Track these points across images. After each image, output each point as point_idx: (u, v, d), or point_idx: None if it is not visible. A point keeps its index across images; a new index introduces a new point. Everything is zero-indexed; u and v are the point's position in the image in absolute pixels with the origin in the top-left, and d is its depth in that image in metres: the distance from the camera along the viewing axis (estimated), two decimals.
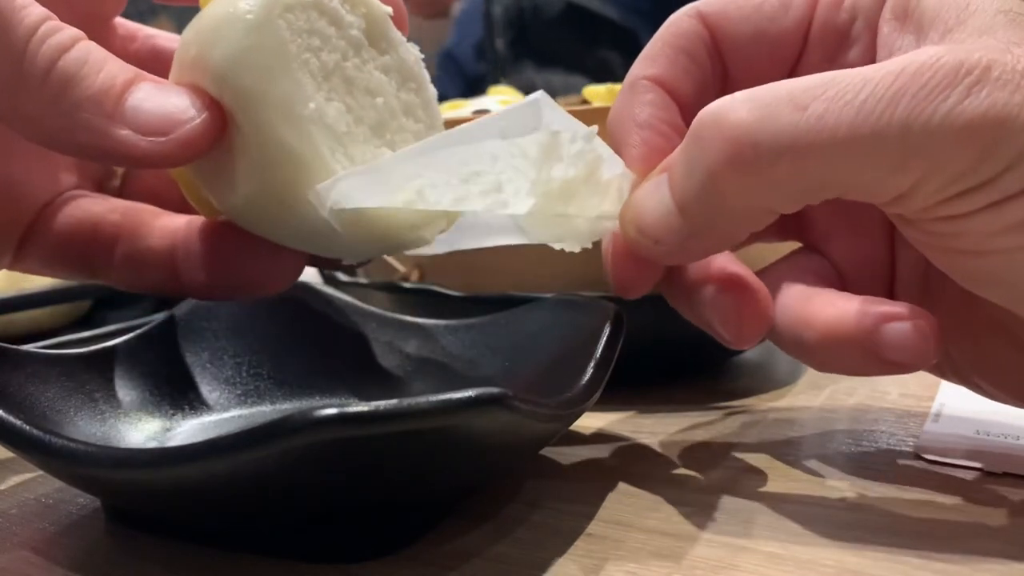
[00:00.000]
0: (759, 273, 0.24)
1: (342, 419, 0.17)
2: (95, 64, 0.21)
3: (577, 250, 0.24)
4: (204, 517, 0.22)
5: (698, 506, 0.24)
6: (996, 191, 0.19)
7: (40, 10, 0.21)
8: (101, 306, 0.45)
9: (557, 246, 0.23)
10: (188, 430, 0.28)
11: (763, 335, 0.23)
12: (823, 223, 0.26)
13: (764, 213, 0.21)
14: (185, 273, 0.24)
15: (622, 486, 0.25)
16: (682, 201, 0.21)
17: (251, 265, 0.24)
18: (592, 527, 0.23)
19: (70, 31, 0.21)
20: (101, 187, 0.28)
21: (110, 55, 0.22)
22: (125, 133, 0.21)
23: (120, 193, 0.28)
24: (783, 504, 0.24)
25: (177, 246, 0.24)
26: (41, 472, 0.27)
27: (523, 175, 0.22)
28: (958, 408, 0.31)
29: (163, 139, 0.21)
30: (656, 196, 0.22)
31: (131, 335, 0.29)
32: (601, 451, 0.28)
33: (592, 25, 1.09)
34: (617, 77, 0.29)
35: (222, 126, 0.21)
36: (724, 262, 0.24)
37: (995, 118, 0.18)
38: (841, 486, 0.25)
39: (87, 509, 0.25)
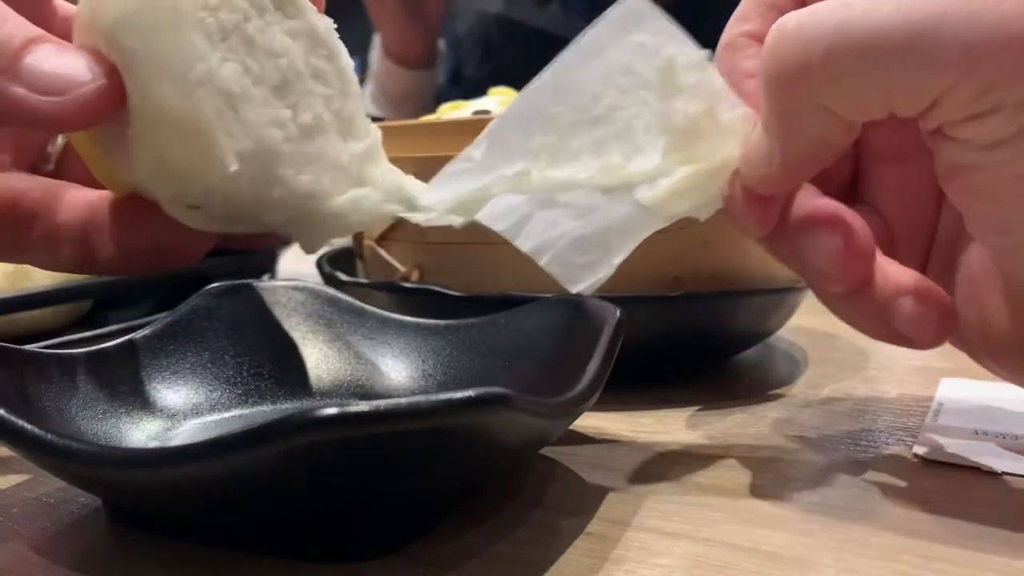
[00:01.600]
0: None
1: (343, 419, 0.17)
2: None
3: (704, 217, 0.24)
4: (204, 517, 0.22)
5: (698, 506, 0.24)
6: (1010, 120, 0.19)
7: None
8: (102, 306, 0.45)
9: (691, 214, 0.24)
10: (189, 430, 0.28)
11: (866, 272, 0.23)
12: (881, 183, 0.26)
13: (830, 122, 0.22)
14: (97, 248, 0.24)
15: (622, 486, 0.26)
16: (764, 120, 0.23)
17: (159, 237, 0.23)
18: (592, 527, 0.23)
19: None
20: (35, 171, 0.27)
21: (12, 13, 0.21)
22: (20, 91, 0.20)
23: (53, 176, 0.27)
24: (782, 503, 0.24)
25: (88, 221, 0.24)
26: (42, 471, 0.27)
27: (648, 107, 0.22)
28: (957, 408, 0.31)
29: (58, 99, 0.21)
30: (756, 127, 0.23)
31: (132, 335, 0.29)
32: (601, 451, 0.28)
33: (549, 47, 1.08)
34: None
35: (120, 93, 0.21)
36: (826, 202, 0.24)
37: None
38: (840, 486, 0.25)
39: (89, 508, 0.25)
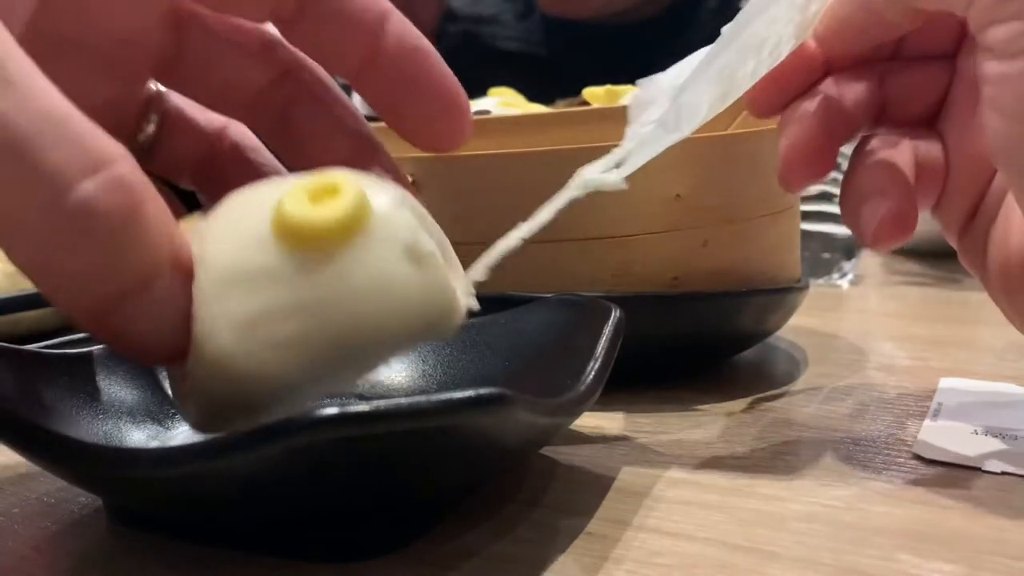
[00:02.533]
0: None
1: (344, 419, 0.17)
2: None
3: (786, 53, 0.26)
4: (204, 517, 0.22)
5: (698, 505, 0.24)
6: None
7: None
8: None
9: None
10: (190, 430, 0.28)
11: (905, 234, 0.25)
12: (954, 114, 0.27)
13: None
14: None
15: (622, 486, 0.26)
16: None
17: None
18: (592, 527, 0.23)
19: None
20: (132, 140, 0.27)
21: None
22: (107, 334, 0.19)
23: (151, 154, 0.27)
24: (782, 504, 0.24)
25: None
26: (42, 471, 0.27)
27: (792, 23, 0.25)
28: (956, 408, 0.31)
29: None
30: None
31: None
32: (601, 451, 0.29)
33: (529, 67, 1.08)
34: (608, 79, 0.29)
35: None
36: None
37: None
38: (839, 486, 0.25)
39: (89, 508, 0.25)
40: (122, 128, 0.27)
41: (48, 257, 0.18)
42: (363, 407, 0.17)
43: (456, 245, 0.34)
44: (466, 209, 0.34)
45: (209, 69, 0.26)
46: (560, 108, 0.38)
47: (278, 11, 0.24)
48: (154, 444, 0.27)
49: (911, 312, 0.51)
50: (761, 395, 0.34)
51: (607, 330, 0.25)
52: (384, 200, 0.20)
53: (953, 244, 0.27)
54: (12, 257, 0.18)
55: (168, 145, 0.27)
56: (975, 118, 0.26)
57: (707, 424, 0.31)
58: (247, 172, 0.27)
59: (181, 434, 0.28)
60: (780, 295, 0.35)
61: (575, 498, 0.25)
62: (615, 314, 0.26)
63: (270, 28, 0.26)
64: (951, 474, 0.26)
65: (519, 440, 0.23)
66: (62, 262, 0.18)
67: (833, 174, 0.59)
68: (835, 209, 0.57)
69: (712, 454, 0.28)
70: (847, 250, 0.57)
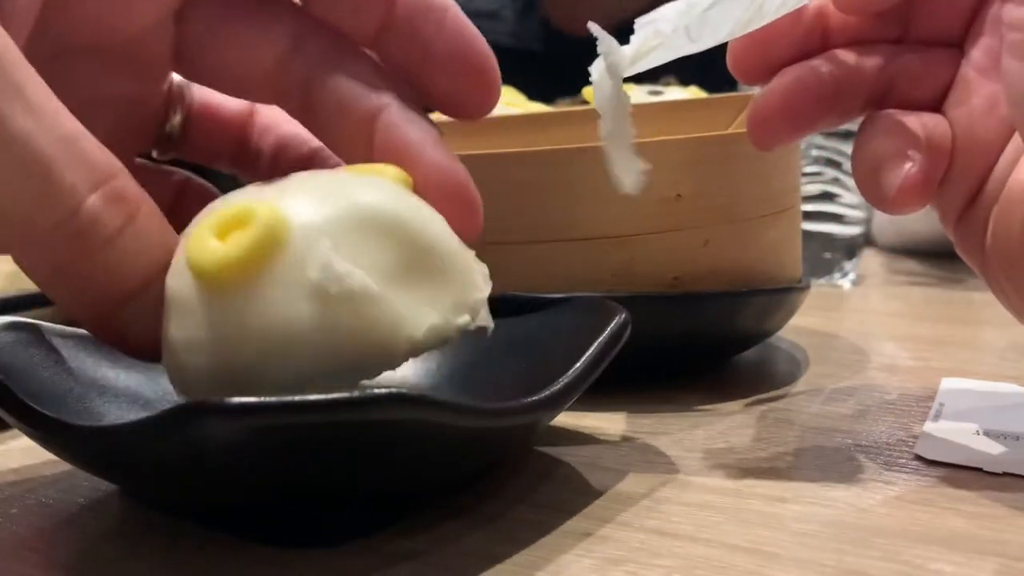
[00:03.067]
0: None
1: (246, 409, 0.18)
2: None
3: None
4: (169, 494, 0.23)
5: (698, 506, 0.24)
6: None
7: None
8: None
9: None
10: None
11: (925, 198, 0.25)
12: (960, 95, 0.26)
13: None
14: None
15: (622, 486, 0.25)
16: None
17: None
18: (592, 527, 0.23)
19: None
20: (159, 131, 0.27)
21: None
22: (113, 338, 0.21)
23: (181, 143, 0.28)
24: (783, 504, 0.24)
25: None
26: (42, 471, 0.27)
27: None
28: (958, 409, 0.31)
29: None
30: None
31: None
32: (601, 451, 0.28)
33: (525, 63, 1.09)
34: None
35: None
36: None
37: None
38: (840, 486, 0.25)
39: (88, 508, 0.25)
40: (148, 121, 0.27)
41: (60, 265, 0.20)
42: (279, 399, 0.18)
43: None
44: None
45: (218, 49, 0.25)
46: (560, 108, 0.38)
47: None
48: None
49: (913, 312, 0.51)
50: (762, 395, 0.34)
51: (607, 331, 0.25)
52: (301, 231, 0.20)
53: (949, 230, 0.27)
54: (25, 265, 0.20)
55: (197, 133, 0.28)
56: (982, 100, 0.25)
57: (707, 424, 0.31)
58: (283, 153, 0.27)
59: None
60: (781, 295, 0.35)
61: (575, 498, 0.25)
62: (619, 317, 0.26)
63: None
64: (953, 475, 0.26)
65: (465, 441, 0.22)
66: (72, 269, 0.19)
67: (833, 173, 0.59)
68: (836, 209, 0.57)
69: (713, 455, 0.28)
70: (848, 250, 0.57)
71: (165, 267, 0.20)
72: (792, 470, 0.26)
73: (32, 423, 0.21)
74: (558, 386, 0.23)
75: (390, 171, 0.23)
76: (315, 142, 0.27)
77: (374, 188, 0.22)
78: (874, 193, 0.26)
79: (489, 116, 0.35)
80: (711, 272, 0.34)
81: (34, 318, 0.40)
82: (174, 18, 0.25)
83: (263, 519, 0.23)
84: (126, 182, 0.20)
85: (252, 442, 0.19)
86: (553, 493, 0.25)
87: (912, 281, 0.58)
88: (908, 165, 0.24)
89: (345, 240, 0.20)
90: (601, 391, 0.26)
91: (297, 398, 0.18)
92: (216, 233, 0.20)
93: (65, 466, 0.26)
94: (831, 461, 0.27)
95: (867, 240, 0.64)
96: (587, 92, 0.41)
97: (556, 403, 0.23)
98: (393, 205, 0.21)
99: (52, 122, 0.19)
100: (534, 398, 0.23)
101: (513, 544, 0.22)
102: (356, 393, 0.19)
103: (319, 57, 0.25)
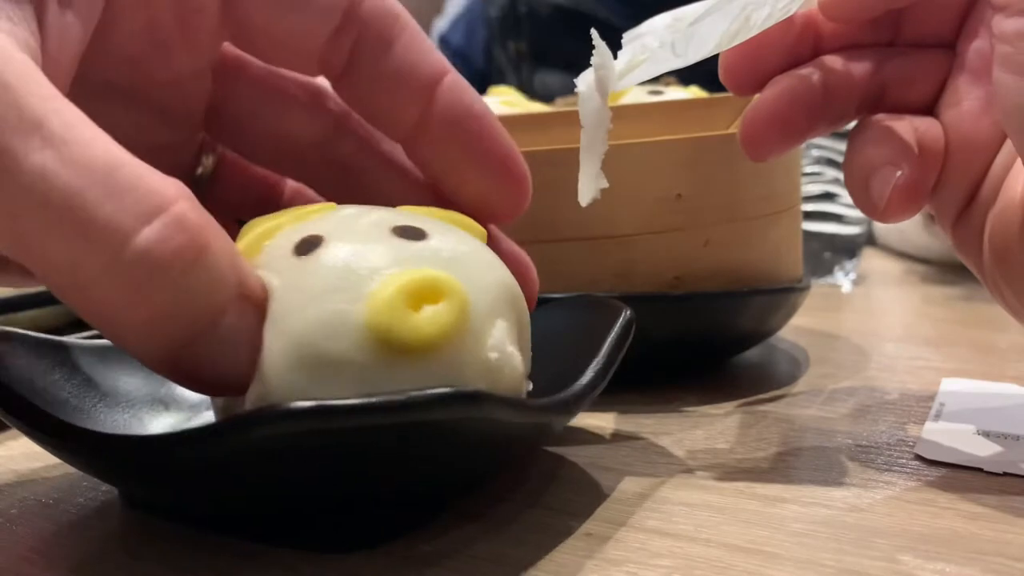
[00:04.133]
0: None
1: (314, 412, 0.17)
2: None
3: (796, 8, 0.25)
4: (209, 503, 0.23)
5: (698, 506, 0.24)
6: None
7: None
8: None
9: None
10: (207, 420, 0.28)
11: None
12: (952, 97, 0.26)
13: None
14: None
15: (622, 486, 0.25)
16: None
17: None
18: (592, 528, 0.23)
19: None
20: (189, 176, 0.27)
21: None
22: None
23: (209, 191, 0.27)
24: (783, 504, 0.24)
25: None
26: (41, 472, 0.27)
27: None
28: (958, 409, 0.31)
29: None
30: None
31: None
32: (601, 451, 0.28)
33: (585, 25, 1.09)
34: None
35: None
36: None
37: None
38: (841, 486, 0.25)
39: (87, 509, 0.25)
40: (179, 167, 0.26)
41: (115, 310, 0.18)
42: (339, 402, 0.18)
43: None
44: None
45: (255, 119, 0.25)
46: (560, 108, 0.38)
47: (327, 64, 0.24)
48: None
49: (913, 312, 0.51)
50: (762, 395, 0.34)
51: (613, 330, 0.25)
52: (484, 309, 0.21)
53: (947, 232, 0.27)
54: (80, 313, 0.18)
55: (226, 183, 0.27)
56: (976, 101, 0.25)
57: (708, 424, 0.31)
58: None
59: (199, 422, 0.28)
60: (781, 295, 0.35)
61: (575, 499, 0.25)
62: (624, 315, 0.26)
63: (322, 81, 0.25)
64: (953, 475, 0.26)
65: (508, 438, 0.23)
66: (129, 313, 0.18)
67: (834, 173, 0.59)
68: (837, 209, 0.57)
69: (713, 455, 0.28)
70: (849, 250, 0.57)
71: (238, 298, 0.19)
72: (792, 470, 0.26)
73: (49, 432, 0.21)
74: (587, 378, 0.23)
75: (469, 223, 0.24)
76: None
77: (496, 262, 0.23)
78: (865, 202, 0.25)
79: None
80: (712, 272, 0.34)
81: (34, 318, 0.41)
82: (214, 75, 0.25)
83: (277, 523, 0.22)
84: (187, 207, 0.18)
85: (330, 444, 0.19)
86: (553, 493, 0.25)
87: (912, 281, 0.58)
88: (898, 174, 0.24)
89: (500, 317, 0.21)
90: (602, 391, 0.26)
91: (378, 398, 0.18)
92: (409, 303, 0.20)
93: (65, 467, 0.26)
94: (831, 461, 0.27)
95: (868, 240, 0.64)
96: None
97: (588, 395, 0.24)
98: (513, 281, 0.23)
99: (81, 152, 0.17)
100: (575, 390, 0.22)
101: (513, 544, 0.22)
102: (431, 392, 0.18)
103: (358, 145, 0.26)
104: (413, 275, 0.20)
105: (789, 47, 0.27)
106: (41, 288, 0.40)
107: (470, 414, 0.19)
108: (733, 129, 0.34)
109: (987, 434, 0.28)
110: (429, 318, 0.20)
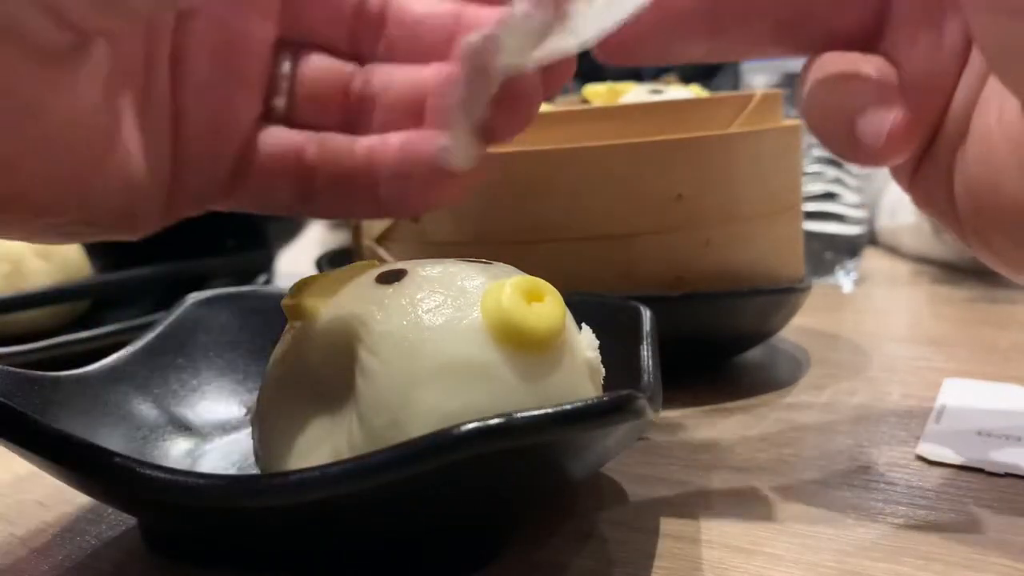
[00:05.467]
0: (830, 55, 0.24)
1: (504, 430, 0.17)
2: None
3: None
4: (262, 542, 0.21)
5: (699, 507, 0.24)
6: None
7: None
8: (100, 306, 0.45)
9: None
10: (221, 447, 0.27)
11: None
12: (903, 30, 0.24)
13: None
14: (384, 191, 0.24)
15: (623, 488, 0.25)
16: None
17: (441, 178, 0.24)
18: (593, 529, 0.23)
19: None
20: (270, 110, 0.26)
21: None
22: None
23: (287, 117, 0.26)
24: (784, 505, 0.24)
25: (374, 165, 0.24)
26: (38, 473, 0.27)
27: None
28: (960, 409, 0.31)
29: None
30: None
31: (135, 348, 0.28)
32: None
33: None
34: (609, 77, 0.29)
35: None
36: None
37: None
38: (842, 487, 0.25)
39: (86, 510, 0.25)
40: (257, 71, 0.26)
41: None
42: (516, 418, 0.17)
43: (456, 245, 0.34)
44: (466, 209, 0.34)
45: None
46: (560, 108, 0.38)
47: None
48: (189, 462, 0.26)
49: (915, 312, 0.51)
50: (763, 396, 0.34)
51: (646, 329, 0.25)
52: (569, 313, 0.22)
53: (903, 184, 0.25)
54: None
55: (304, 99, 0.26)
56: (928, 36, 0.23)
57: (709, 424, 0.31)
58: (392, 96, 0.26)
59: (214, 448, 0.27)
60: (782, 295, 0.35)
61: (575, 500, 0.25)
62: (644, 313, 0.26)
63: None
64: (955, 476, 0.26)
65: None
66: None
67: (835, 173, 0.58)
68: (838, 209, 0.56)
69: (714, 455, 0.28)
70: (850, 250, 0.57)
71: None
72: (793, 471, 0.26)
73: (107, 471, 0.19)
74: (647, 380, 0.23)
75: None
76: (422, 89, 0.26)
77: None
78: (850, 148, 0.23)
79: None
80: (712, 272, 0.34)
81: (32, 318, 0.41)
82: None
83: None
84: None
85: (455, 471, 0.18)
86: (555, 493, 0.25)
87: (914, 281, 0.58)
88: (893, 114, 0.22)
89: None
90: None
91: (509, 419, 0.17)
92: (527, 300, 0.20)
93: None
94: (832, 462, 0.27)
95: (869, 240, 0.64)
96: (587, 91, 0.41)
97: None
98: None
99: None
100: (642, 398, 0.21)
101: (512, 544, 0.22)
102: (542, 411, 0.17)
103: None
104: (517, 279, 0.21)
105: None
106: (39, 289, 0.40)
107: (643, 418, 0.19)
108: (734, 129, 0.34)
109: (988, 435, 0.28)
110: (547, 309, 0.20)
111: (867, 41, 0.24)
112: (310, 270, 0.43)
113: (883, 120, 0.22)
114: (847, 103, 0.23)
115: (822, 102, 0.23)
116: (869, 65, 0.23)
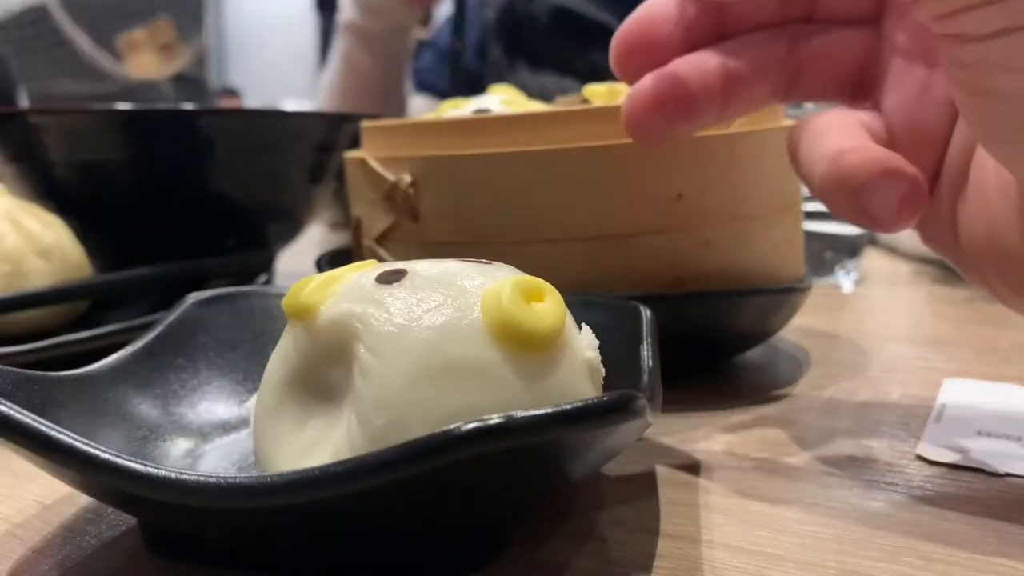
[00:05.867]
0: (815, 117, 0.24)
1: (504, 429, 0.17)
2: None
3: None
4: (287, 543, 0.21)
5: (699, 507, 0.24)
6: (1010, 14, 0.18)
7: None
8: (100, 306, 0.45)
9: None
10: (221, 447, 0.27)
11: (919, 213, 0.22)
12: (890, 83, 0.25)
13: None
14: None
15: (623, 488, 0.25)
16: None
17: None
18: (592, 528, 0.23)
19: None
20: None
21: None
22: None
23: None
24: (784, 505, 0.24)
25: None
26: (39, 474, 0.27)
27: None
28: (960, 409, 0.31)
29: None
30: None
31: (135, 348, 0.28)
32: None
33: (582, 28, 1.10)
34: (609, 77, 0.28)
35: None
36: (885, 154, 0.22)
37: None
38: (842, 487, 0.25)
39: (86, 511, 0.25)
40: None
41: None
42: (517, 417, 0.17)
43: (456, 245, 0.34)
44: (466, 209, 0.34)
45: None
46: (560, 106, 0.38)
47: None
48: (189, 462, 0.26)
49: (915, 312, 0.51)
50: (763, 396, 0.34)
51: (646, 333, 0.25)
52: (569, 313, 0.22)
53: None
54: None
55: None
56: (916, 85, 0.24)
57: (709, 425, 0.31)
58: None
59: (214, 448, 0.27)
60: (783, 295, 0.35)
61: (575, 500, 0.25)
62: (646, 313, 0.26)
63: None
64: (955, 476, 0.26)
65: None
66: None
67: None
68: None
69: (714, 455, 0.28)
70: (850, 250, 0.57)
71: None
72: (794, 470, 0.26)
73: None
74: (646, 380, 0.23)
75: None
76: None
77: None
78: (864, 219, 0.22)
79: (489, 116, 0.35)
80: (713, 272, 0.34)
81: (31, 318, 0.40)
82: None
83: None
84: None
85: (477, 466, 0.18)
86: (552, 495, 0.25)
87: (914, 281, 0.58)
88: (903, 186, 0.21)
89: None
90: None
91: (526, 414, 0.17)
92: (526, 299, 0.20)
93: None
94: (833, 462, 0.27)
95: (869, 240, 0.64)
96: (587, 90, 0.41)
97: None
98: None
99: None
100: (641, 397, 0.21)
101: (512, 545, 0.22)
102: (548, 410, 0.17)
103: None
104: (517, 279, 0.21)
105: (687, 29, 0.25)
106: (39, 289, 0.40)
107: (643, 418, 0.19)
108: (734, 129, 0.34)
109: (989, 434, 0.28)
110: (547, 309, 0.20)
111: (857, 90, 0.25)
112: (310, 270, 0.43)
113: (893, 194, 0.22)
114: (849, 178, 0.22)
115: (824, 179, 0.23)
116: (856, 124, 0.23)
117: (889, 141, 0.24)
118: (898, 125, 0.24)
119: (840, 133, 0.23)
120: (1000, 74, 0.19)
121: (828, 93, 0.26)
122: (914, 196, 0.22)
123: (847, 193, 0.22)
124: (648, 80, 0.24)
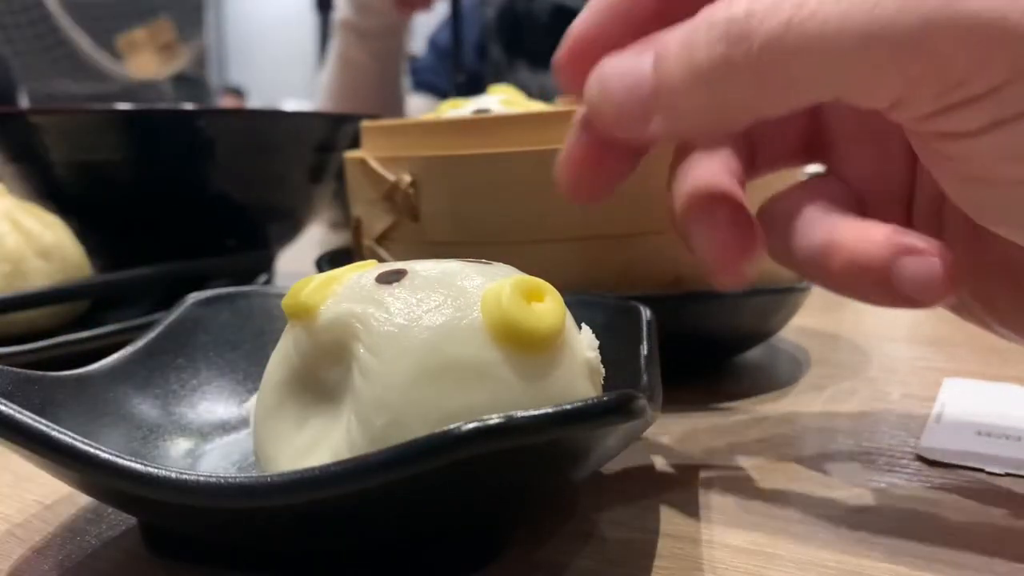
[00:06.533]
0: (778, 197, 0.23)
1: (505, 429, 0.17)
2: None
3: None
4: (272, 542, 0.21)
5: (699, 507, 0.24)
6: (997, 107, 0.17)
7: None
8: (100, 306, 0.45)
9: None
10: (220, 448, 0.27)
11: (748, 264, 0.22)
12: (844, 144, 0.25)
13: (743, 111, 0.20)
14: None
15: (622, 488, 0.25)
16: (667, 79, 0.20)
17: None
18: (591, 529, 0.23)
19: None
20: None
21: None
22: None
23: None
24: (784, 505, 0.24)
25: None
26: (39, 474, 0.27)
27: None
28: (959, 409, 0.31)
29: None
30: (635, 66, 0.20)
31: (135, 348, 0.28)
32: None
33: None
34: None
35: None
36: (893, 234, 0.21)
37: (992, 20, 0.17)
38: (842, 487, 0.25)
39: (86, 511, 0.25)
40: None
41: None
42: (518, 417, 0.17)
43: (456, 245, 0.34)
44: (466, 208, 0.34)
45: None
46: (560, 107, 0.38)
47: None
48: (189, 462, 0.26)
49: (914, 312, 0.51)
50: (763, 396, 0.34)
51: (646, 333, 0.25)
52: (569, 313, 0.22)
53: None
54: None
55: None
56: (872, 152, 0.24)
57: (708, 425, 0.31)
58: None
59: (214, 448, 0.27)
60: (782, 295, 0.35)
61: (574, 501, 0.25)
62: (644, 313, 0.26)
63: None
64: (955, 476, 0.26)
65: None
66: None
67: None
68: None
69: (714, 455, 0.28)
70: None
71: None
72: (793, 471, 0.26)
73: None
74: (647, 380, 0.23)
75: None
76: None
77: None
78: (883, 300, 0.21)
79: (489, 116, 0.35)
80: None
81: (31, 318, 0.40)
82: None
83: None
84: None
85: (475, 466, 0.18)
86: (554, 494, 0.25)
87: None
88: (923, 262, 0.20)
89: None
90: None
91: (528, 413, 0.17)
92: (527, 300, 0.20)
93: None
94: (833, 461, 0.27)
95: None
96: None
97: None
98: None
99: None
100: (642, 397, 0.20)
101: (512, 545, 0.22)
102: (548, 410, 0.17)
103: None
104: (517, 279, 0.21)
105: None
106: (39, 289, 0.40)
107: (643, 418, 0.19)
108: None
109: (988, 434, 0.28)
110: (547, 309, 0.20)
111: (800, 152, 0.26)
112: (310, 270, 0.43)
113: (918, 270, 0.20)
114: (858, 260, 0.21)
115: (821, 255, 0.22)
116: (829, 192, 0.23)
117: (861, 204, 0.24)
118: (865, 187, 0.24)
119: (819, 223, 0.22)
120: (999, 163, 0.19)
121: (776, 161, 0.26)
122: (941, 271, 0.20)
123: (877, 280, 0.20)
124: (577, 141, 0.23)
